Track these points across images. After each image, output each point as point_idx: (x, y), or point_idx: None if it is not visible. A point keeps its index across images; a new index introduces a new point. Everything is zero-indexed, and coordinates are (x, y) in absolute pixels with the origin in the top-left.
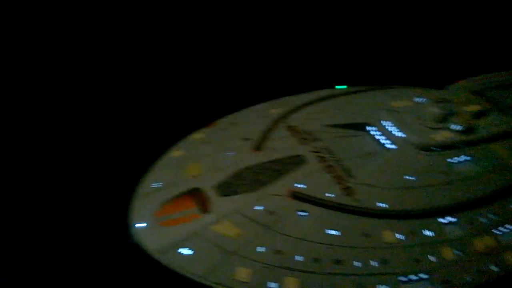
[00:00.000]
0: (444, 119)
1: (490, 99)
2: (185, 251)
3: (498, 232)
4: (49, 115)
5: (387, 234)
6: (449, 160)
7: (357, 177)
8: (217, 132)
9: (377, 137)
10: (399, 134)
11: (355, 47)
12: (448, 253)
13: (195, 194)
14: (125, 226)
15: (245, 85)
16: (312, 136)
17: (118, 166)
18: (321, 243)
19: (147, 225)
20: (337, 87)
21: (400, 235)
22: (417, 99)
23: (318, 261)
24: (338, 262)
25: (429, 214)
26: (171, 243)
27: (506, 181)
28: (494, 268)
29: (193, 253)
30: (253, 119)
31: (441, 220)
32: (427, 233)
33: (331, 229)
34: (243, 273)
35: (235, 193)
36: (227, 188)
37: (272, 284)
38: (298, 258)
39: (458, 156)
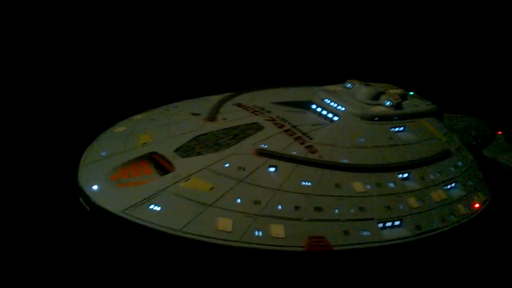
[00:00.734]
0: (376, 97)
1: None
2: (156, 207)
3: (447, 187)
4: None
5: (357, 184)
6: (390, 129)
7: (315, 139)
8: (159, 112)
9: (322, 112)
10: (341, 108)
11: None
12: (414, 202)
13: (152, 159)
14: (75, 191)
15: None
16: (263, 110)
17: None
18: (298, 193)
19: (103, 187)
20: None
21: (368, 186)
22: (347, 84)
23: (299, 209)
24: (319, 209)
25: (387, 169)
26: (138, 201)
27: (440, 147)
28: (453, 217)
29: (165, 209)
30: (195, 103)
31: (398, 175)
32: (391, 185)
33: (304, 181)
34: (225, 223)
35: (198, 154)
36: (188, 151)
37: (257, 232)
38: (279, 207)
39: (395, 126)
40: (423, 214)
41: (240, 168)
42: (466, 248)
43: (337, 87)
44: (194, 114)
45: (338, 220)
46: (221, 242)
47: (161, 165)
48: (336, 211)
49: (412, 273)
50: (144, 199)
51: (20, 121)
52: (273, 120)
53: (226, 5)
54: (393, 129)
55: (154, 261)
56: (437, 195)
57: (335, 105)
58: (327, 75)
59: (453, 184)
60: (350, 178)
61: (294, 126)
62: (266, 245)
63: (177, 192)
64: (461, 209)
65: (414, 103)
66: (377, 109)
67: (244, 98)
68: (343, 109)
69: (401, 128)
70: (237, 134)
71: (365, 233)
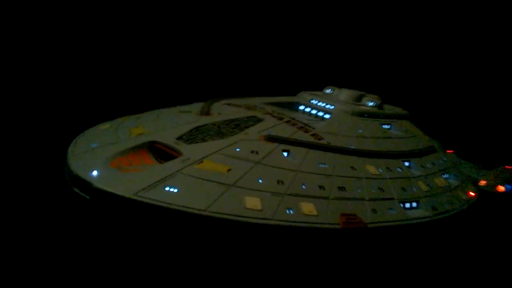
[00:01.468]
0: (359, 98)
1: None
2: (172, 189)
3: (444, 176)
4: None
5: (370, 167)
6: (380, 125)
7: (317, 129)
8: (145, 114)
9: (312, 111)
10: (330, 107)
11: None
12: (423, 185)
13: (152, 149)
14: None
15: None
16: (255, 107)
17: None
18: (317, 174)
19: (105, 172)
20: None
21: (380, 169)
22: (327, 90)
23: (324, 188)
24: (342, 188)
25: (392, 156)
26: (151, 183)
27: (426, 143)
28: (457, 201)
29: (184, 190)
30: (171, 111)
31: (404, 162)
32: (399, 169)
33: (320, 163)
34: (254, 202)
35: (203, 141)
36: (191, 139)
37: (288, 211)
38: (303, 186)
39: (383, 124)
40: (433, 197)
41: (252, 152)
42: (471, 230)
43: (317, 93)
44: (183, 111)
45: (363, 199)
46: (253, 220)
47: (164, 154)
48: (359, 190)
49: (434, 250)
50: (157, 181)
51: None
52: (270, 114)
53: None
54: (382, 125)
55: (176, 246)
56: (439, 181)
57: (324, 104)
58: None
59: (447, 175)
60: (362, 162)
61: (293, 119)
62: (301, 222)
63: (193, 174)
64: (462, 195)
65: (388, 107)
66: (364, 107)
67: (231, 100)
68: (332, 107)
69: (388, 126)
70: (239, 124)
71: (392, 211)
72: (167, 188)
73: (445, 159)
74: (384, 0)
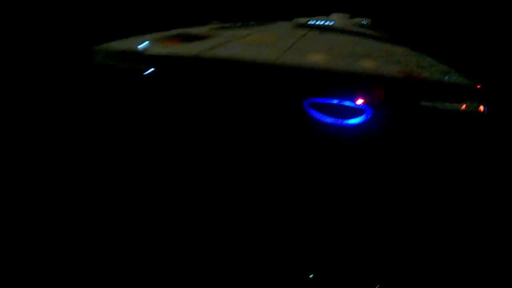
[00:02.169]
0: (351, 18)
1: None
2: (230, 48)
3: None
4: None
5: None
6: None
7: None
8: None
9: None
10: (330, 22)
11: None
12: None
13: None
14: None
15: None
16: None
17: None
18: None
19: (155, 42)
20: None
21: None
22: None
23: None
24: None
25: None
26: (207, 47)
27: None
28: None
29: (244, 50)
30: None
31: None
32: None
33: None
34: (318, 57)
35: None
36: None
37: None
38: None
39: None
40: None
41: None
42: None
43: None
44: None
45: None
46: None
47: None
48: None
49: None
50: (213, 46)
51: None
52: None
53: None
54: None
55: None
56: None
57: (322, 22)
58: None
59: None
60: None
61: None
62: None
63: (245, 42)
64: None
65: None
66: (360, 19)
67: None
68: (332, 23)
69: None
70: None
71: None
72: (226, 46)
73: None
74: None
